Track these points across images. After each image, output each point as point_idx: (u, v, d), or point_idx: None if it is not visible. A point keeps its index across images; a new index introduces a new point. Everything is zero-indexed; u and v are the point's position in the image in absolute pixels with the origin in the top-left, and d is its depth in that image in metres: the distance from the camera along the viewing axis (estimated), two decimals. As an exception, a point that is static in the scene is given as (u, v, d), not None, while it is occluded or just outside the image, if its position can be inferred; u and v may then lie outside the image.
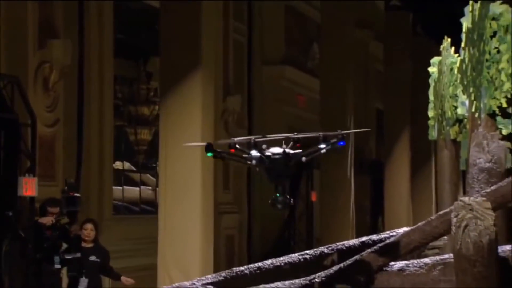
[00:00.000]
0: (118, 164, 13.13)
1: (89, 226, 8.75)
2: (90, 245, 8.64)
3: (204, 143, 4.55)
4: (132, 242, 11.65)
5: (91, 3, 11.14)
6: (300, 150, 4.41)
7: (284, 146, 4.43)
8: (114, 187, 12.07)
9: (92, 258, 8.54)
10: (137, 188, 13.74)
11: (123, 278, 8.79)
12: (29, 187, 8.45)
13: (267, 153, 4.39)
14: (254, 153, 4.44)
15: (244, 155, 4.48)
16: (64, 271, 8.88)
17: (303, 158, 4.41)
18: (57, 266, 8.32)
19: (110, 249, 9.55)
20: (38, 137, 9.02)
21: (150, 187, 13.91)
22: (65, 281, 8.90)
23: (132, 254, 11.35)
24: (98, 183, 11.22)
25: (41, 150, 9.37)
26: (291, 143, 4.47)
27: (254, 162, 4.38)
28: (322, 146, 4.38)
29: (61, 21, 10.24)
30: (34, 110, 8.98)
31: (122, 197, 12.95)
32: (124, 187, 13.19)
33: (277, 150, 4.46)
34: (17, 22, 9.50)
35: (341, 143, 4.41)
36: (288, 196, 4.27)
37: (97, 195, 11.19)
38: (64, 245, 8.56)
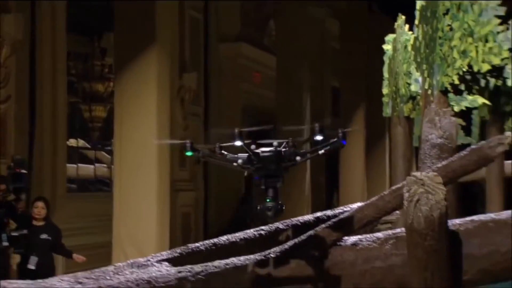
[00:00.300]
0: (72, 142, 12.99)
1: (39, 204, 8.67)
2: (41, 223, 8.57)
3: (183, 142, 3.86)
4: (86, 219, 11.57)
5: (43, -24, 10.94)
6: (294, 149, 3.82)
7: (275, 144, 3.84)
8: (68, 165, 11.96)
9: (43, 236, 8.48)
10: (92, 166, 13.63)
11: (74, 255, 8.75)
12: (-20, 164, 8.32)
13: (256, 151, 3.76)
14: (241, 152, 3.80)
15: (229, 155, 3.80)
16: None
17: (298, 158, 3.80)
18: (5, 243, 8.25)
19: (65, 227, 9.47)
20: (-11, 114, 8.88)
21: (105, 165, 13.82)
22: (16, 260, 8.83)
23: (87, 232, 11.28)
24: (51, 160, 11.08)
25: (-8, 127, 9.23)
26: (284, 143, 3.87)
27: (240, 161, 3.76)
28: (321, 147, 3.82)
29: (12, -5, 10.05)
30: (-15, 86, 8.83)
31: (77, 174, 12.85)
32: (79, 164, 13.08)
33: (268, 148, 3.83)
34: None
35: (343, 142, 3.81)
36: (280, 202, 3.69)
37: (50, 173, 11.06)
38: (13, 223, 8.49)
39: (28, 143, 10.50)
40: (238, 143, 3.75)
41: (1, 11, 9.75)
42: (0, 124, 9.79)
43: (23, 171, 8.64)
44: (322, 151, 3.77)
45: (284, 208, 3.67)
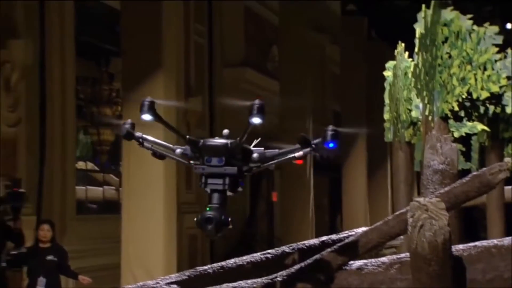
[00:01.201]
0: (81, 165, 13.01)
1: (45, 227, 8.68)
2: (47, 245, 8.58)
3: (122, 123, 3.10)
4: (95, 241, 11.55)
5: (52, 3, 11.01)
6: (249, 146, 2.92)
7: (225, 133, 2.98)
8: (77, 187, 11.97)
9: (50, 257, 8.48)
10: (100, 188, 13.63)
11: (80, 277, 8.74)
12: (-8, 187, 8.34)
13: (194, 139, 2.92)
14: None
15: (169, 145, 3.07)
16: (25, 270, 8.82)
17: (255, 155, 2.89)
18: (3, 264, 8.28)
19: (74, 249, 9.46)
20: (0, 137, 8.90)
21: (113, 187, 13.82)
22: (25, 282, 8.83)
23: (95, 254, 11.26)
24: (61, 183, 11.10)
25: (3, 150, 9.25)
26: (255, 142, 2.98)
27: (178, 151, 3.01)
28: (294, 150, 2.90)
29: (22, 21, 10.11)
30: (-4, 110, 8.87)
31: (86, 197, 12.85)
32: (87, 187, 13.08)
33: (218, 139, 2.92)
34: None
35: (331, 144, 2.83)
36: (224, 213, 2.84)
37: (60, 195, 11.06)
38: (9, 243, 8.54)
39: (39, 165, 10.52)
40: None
41: (11, 37, 9.82)
42: (11, 147, 9.81)
43: (21, 190, 8.69)
44: (300, 153, 2.86)
45: (229, 221, 2.86)
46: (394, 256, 3.10)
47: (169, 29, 10.46)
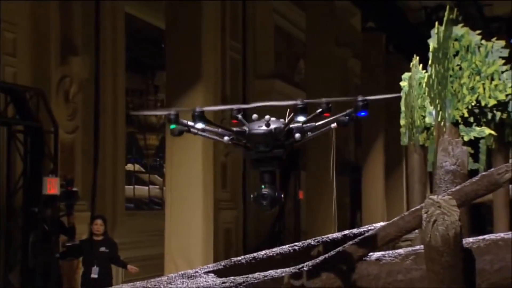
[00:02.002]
0: (129, 166, 13.10)
1: (98, 221, 8.75)
2: (100, 238, 8.65)
3: (167, 112, 2.93)
4: (142, 234, 11.62)
5: (106, 23, 11.13)
6: (289, 125, 2.80)
7: (266, 118, 2.82)
8: (126, 186, 12.05)
9: (102, 249, 8.55)
10: (146, 187, 13.71)
11: (129, 266, 8.80)
12: (52, 186, 8.44)
13: (240, 129, 2.79)
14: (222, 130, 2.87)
15: (216, 130, 2.90)
16: (80, 260, 8.91)
17: (297, 135, 2.77)
18: (57, 255, 8.40)
19: (123, 241, 9.52)
20: (59, 143, 9.01)
21: (157, 186, 13.89)
22: (80, 270, 8.91)
23: (142, 245, 11.32)
24: (112, 182, 11.20)
25: (62, 154, 9.35)
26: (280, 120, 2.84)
27: (226, 139, 2.85)
28: (332, 120, 2.80)
29: (79, 40, 10.24)
30: (56, 119, 8.97)
31: (133, 195, 12.93)
32: (135, 186, 13.16)
33: (260, 124, 2.78)
34: (41, 41, 9.49)
35: (362, 113, 2.82)
36: (277, 190, 2.80)
37: (111, 193, 11.16)
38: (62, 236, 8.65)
39: (93, 168, 10.62)
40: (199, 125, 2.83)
41: (70, 54, 9.94)
42: (69, 152, 9.93)
43: (74, 189, 8.79)
44: (334, 124, 2.81)
45: (282, 197, 2.81)
46: (410, 248, 3.06)
47: (207, 46, 10.49)
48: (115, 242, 8.87)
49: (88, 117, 10.57)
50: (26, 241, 8.35)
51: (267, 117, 2.84)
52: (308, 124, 2.85)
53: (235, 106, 2.94)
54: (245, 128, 2.82)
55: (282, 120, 2.88)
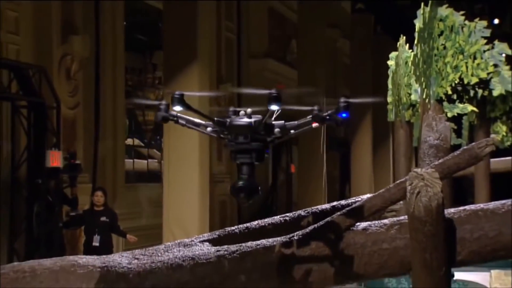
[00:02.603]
0: (129, 141, 13.07)
1: (99, 193, 8.77)
2: (100, 208, 8.68)
3: (158, 103, 2.81)
4: (141, 205, 11.65)
5: (105, 4, 11.01)
6: (270, 120, 2.73)
7: (248, 112, 2.75)
8: (126, 160, 12.04)
9: (103, 218, 8.58)
10: (145, 161, 13.71)
11: (128, 236, 8.83)
12: (55, 159, 8.42)
13: (226, 119, 2.71)
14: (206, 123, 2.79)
15: (201, 122, 2.82)
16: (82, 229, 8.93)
17: (277, 130, 2.71)
18: (60, 224, 8.42)
19: (123, 212, 9.53)
20: (62, 118, 8.97)
21: (156, 160, 13.89)
22: (82, 239, 8.94)
23: (141, 216, 11.36)
24: (112, 156, 11.17)
25: (64, 128, 9.32)
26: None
27: (209, 129, 2.79)
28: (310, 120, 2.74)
29: (80, 20, 10.14)
30: (58, 95, 8.92)
31: (133, 168, 12.93)
32: (134, 160, 13.16)
33: (243, 118, 2.69)
34: (43, 20, 9.39)
35: (344, 114, 2.66)
36: (254, 182, 2.71)
37: (111, 167, 11.14)
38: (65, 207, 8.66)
39: (94, 142, 10.59)
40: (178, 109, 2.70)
41: (71, 33, 9.85)
42: (71, 127, 9.89)
43: (78, 162, 8.78)
44: (316, 124, 2.72)
45: (259, 189, 2.71)
46: (394, 219, 3.07)
47: (203, 26, 10.42)
48: (115, 212, 8.90)
49: (89, 93, 10.51)
50: (30, 211, 8.35)
51: (249, 110, 2.76)
52: (290, 122, 2.78)
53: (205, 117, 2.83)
54: (227, 119, 2.73)
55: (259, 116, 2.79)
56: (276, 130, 2.74)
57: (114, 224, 8.72)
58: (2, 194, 8.48)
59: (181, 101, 2.73)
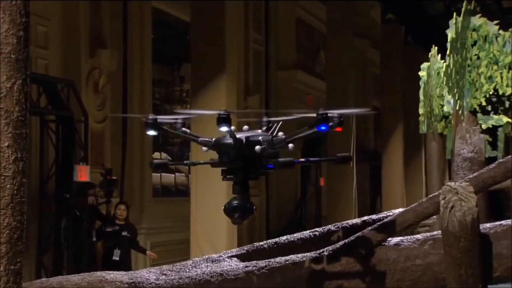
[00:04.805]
0: (156, 155, 13.15)
1: (122, 206, 8.85)
2: (122, 222, 8.76)
3: (144, 116, 2.70)
4: (168, 220, 11.67)
5: (133, 17, 11.16)
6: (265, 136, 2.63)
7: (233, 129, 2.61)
8: (153, 174, 12.11)
9: (124, 233, 8.66)
10: (173, 175, 13.77)
11: (148, 252, 8.88)
12: (82, 173, 8.52)
13: (210, 139, 2.62)
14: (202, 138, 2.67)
15: (198, 138, 2.72)
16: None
17: (257, 148, 2.57)
18: (94, 239, 8.48)
19: (151, 226, 9.56)
20: (89, 132, 9.08)
21: (183, 174, 13.93)
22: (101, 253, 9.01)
23: (168, 231, 11.38)
24: (140, 170, 11.25)
25: (92, 142, 9.44)
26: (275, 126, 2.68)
27: (204, 149, 2.72)
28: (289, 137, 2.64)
29: (108, 34, 10.29)
30: (86, 108, 9.04)
31: (160, 182, 13.00)
32: (162, 173, 13.23)
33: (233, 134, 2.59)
34: (72, 35, 9.56)
35: (322, 127, 2.53)
36: (249, 202, 2.64)
37: (139, 181, 11.22)
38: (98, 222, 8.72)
39: (121, 156, 10.69)
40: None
41: (99, 47, 10.00)
42: (99, 140, 10.00)
43: (114, 177, 8.87)
44: (291, 145, 2.60)
45: (254, 208, 2.66)
46: (428, 234, 3.03)
47: (231, 38, 10.47)
48: (135, 228, 8.96)
49: (116, 107, 10.63)
50: (58, 225, 8.45)
51: (245, 127, 2.69)
52: (277, 137, 2.67)
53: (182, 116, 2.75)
54: (211, 140, 2.66)
55: (260, 131, 2.72)
56: (256, 148, 2.62)
57: (134, 240, 8.78)
58: (30, 208, 8.57)
59: (155, 125, 2.66)
